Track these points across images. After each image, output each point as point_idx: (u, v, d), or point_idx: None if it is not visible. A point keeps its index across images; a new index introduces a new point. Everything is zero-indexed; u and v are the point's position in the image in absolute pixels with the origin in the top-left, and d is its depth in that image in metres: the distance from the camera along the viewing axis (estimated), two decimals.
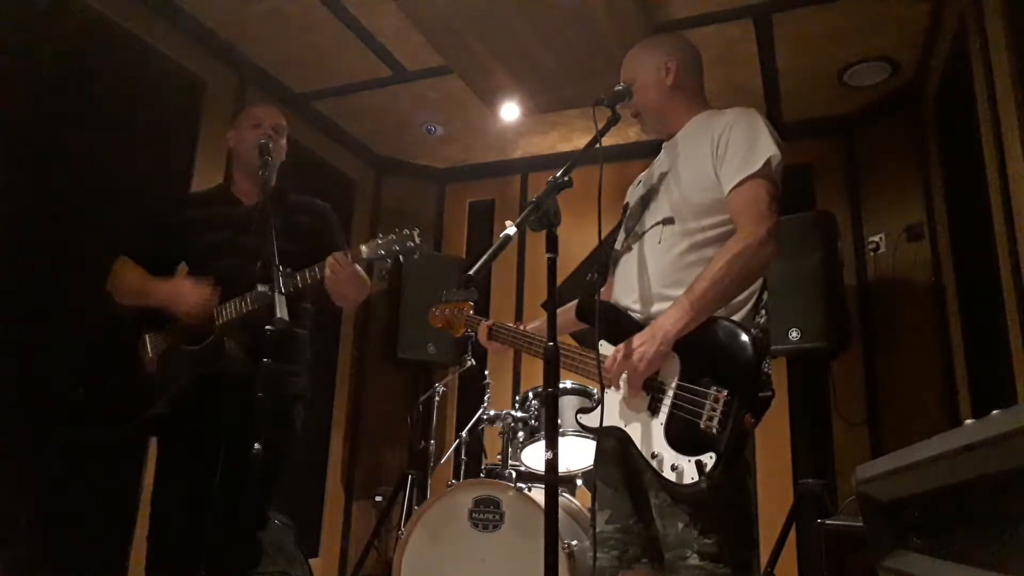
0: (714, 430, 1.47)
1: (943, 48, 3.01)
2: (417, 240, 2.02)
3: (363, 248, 2.04)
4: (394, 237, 2.02)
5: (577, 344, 1.82)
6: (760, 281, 1.67)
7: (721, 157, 1.68)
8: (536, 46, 3.20)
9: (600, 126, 1.70)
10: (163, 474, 2.16)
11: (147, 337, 2.20)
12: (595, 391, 2.30)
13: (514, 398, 3.95)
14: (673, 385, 1.58)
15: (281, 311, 1.77)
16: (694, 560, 1.53)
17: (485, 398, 3.33)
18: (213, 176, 3.33)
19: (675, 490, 1.55)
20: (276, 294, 1.80)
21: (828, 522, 2.53)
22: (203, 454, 2.03)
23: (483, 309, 4.40)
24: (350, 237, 4.35)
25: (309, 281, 2.05)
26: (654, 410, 1.60)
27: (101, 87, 2.83)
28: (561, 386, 2.90)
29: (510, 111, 3.82)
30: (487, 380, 3.38)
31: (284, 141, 2.36)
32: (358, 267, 2.10)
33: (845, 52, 3.32)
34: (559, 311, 1.66)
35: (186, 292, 2.09)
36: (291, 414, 2.22)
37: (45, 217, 2.61)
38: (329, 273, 2.02)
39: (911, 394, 3.42)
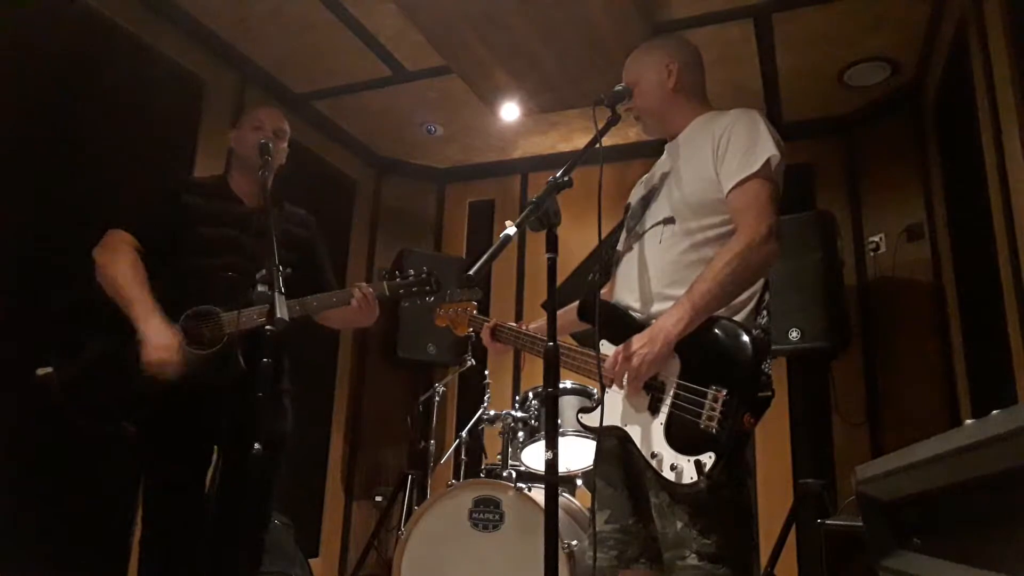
0: (713, 430, 1.47)
1: (943, 48, 3.01)
2: (435, 286, 2.21)
3: (385, 286, 2.20)
4: (413, 279, 2.21)
5: (577, 344, 1.82)
6: (762, 281, 1.67)
7: (722, 157, 1.68)
8: (536, 46, 3.20)
9: (600, 126, 1.70)
10: (158, 476, 2.14)
11: None
12: (595, 391, 2.30)
13: (514, 398, 3.95)
14: (673, 384, 1.58)
15: (281, 311, 1.77)
16: (693, 560, 1.53)
17: (485, 398, 3.33)
18: None
19: (674, 490, 1.55)
20: (276, 294, 1.81)
21: (828, 522, 2.52)
22: (199, 454, 2.02)
23: (483, 309, 4.36)
24: (350, 236, 4.37)
25: (335, 303, 2.15)
26: (654, 410, 1.60)
27: (101, 87, 2.83)
28: (561, 386, 2.89)
29: (510, 111, 3.82)
30: (487, 380, 3.38)
31: (285, 145, 2.35)
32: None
33: (845, 52, 3.32)
34: (561, 311, 1.66)
35: (165, 341, 1.95)
36: (284, 408, 2.24)
37: (44, 217, 2.61)
38: (354, 304, 2.13)
39: (911, 394, 3.42)
